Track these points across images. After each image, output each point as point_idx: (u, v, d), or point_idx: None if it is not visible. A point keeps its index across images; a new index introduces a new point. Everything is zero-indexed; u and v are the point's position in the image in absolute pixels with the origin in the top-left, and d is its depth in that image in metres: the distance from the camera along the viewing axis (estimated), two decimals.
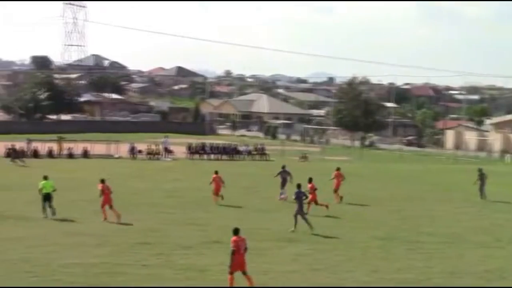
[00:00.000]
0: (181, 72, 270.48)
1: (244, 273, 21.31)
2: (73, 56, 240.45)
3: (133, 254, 25.55)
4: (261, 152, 75.06)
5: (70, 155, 67.26)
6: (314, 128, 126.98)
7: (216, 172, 40.57)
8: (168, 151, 72.01)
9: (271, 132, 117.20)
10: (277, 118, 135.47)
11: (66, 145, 69.00)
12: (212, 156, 72.98)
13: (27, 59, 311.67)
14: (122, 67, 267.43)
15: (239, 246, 21.29)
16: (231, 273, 21.18)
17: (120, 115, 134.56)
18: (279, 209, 39.08)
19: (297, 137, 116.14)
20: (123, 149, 69.55)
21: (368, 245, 29.26)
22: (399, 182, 57.22)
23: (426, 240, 30.99)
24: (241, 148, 75.74)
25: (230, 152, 74.47)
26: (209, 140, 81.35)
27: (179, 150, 72.74)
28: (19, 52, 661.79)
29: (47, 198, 33.53)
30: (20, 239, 27.62)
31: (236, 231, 21.66)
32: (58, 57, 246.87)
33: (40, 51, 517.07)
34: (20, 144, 66.44)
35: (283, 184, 42.94)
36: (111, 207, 33.23)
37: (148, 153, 70.13)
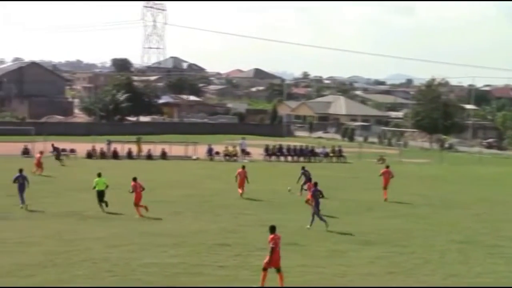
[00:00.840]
0: (259, 74, 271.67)
1: (278, 270, 21.58)
2: (152, 58, 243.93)
3: (211, 255, 25.70)
4: (338, 154, 74.75)
5: (149, 156, 68.06)
6: (392, 130, 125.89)
7: (243, 167, 43.10)
8: (245, 152, 72.29)
9: (348, 134, 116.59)
10: (354, 120, 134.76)
11: (145, 147, 69.82)
12: (289, 158, 72.97)
13: (108, 62, 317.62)
14: (200, 69, 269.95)
15: (277, 243, 21.64)
16: (265, 269, 21.51)
17: (198, 116, 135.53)
18: (357, 211, 38.91)
19: (375, 139, 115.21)
20: (201, 150, 70.04)
21: (447, 249, 28.86)
22: (479, 185, 56.35)
23: (507, 244, 30.44)
24: (318, 150, 75.53)
25: (307, 154, 74.30)
26: (286, 142, 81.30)
27: (256, 152, 72.93)
28: (100, 55, 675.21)
29: (100, 194, 35.76)
30: (100, 239, 28.05)
31: (272, 229, 22.04)
32: (138, 60, 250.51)
33: (120, 54, 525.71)
34: (100, 145, 67.60)
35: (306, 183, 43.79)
36: (138, 204, 34.62)
37: (226, 155, 70.48)
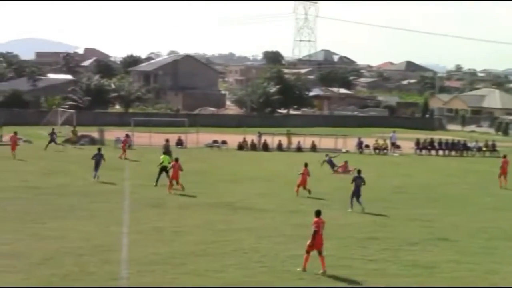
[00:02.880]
0: (410, 66, 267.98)
1: (320, 253, 22.08)
2: (303, 51, 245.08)
3: (359, 248, 25.65)
4: (491, 148, 72.88)
5: (299, 149, 68.47)
6: None
7: (306, 165, 40.03)
8: (395, 146, 71.61)
9: (502, 129, 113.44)
10: (509, 114, 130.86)
11: (294, 139, 70.28)
12: (440, 152, 71.74)
13: (259, 54, 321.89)
14: (351, 62, 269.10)
15: (319, 227, 22.24)
16: (308, 252, 22.12)
17: (348, 109, 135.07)
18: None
19: None
20: (351, 143, 69.83)
21: None
22: None
23: None
24: (471, 145, 73.89)
25: (459, 148, 72.85)
26: (437, 136, 79.97)
27: (407, 145, 72.09)
28: (252, 48, 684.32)
29: (164, 169, 40.19)
30: (251, 230, 28.48)
31: (317, 213, 22.79)
32: (289, 52, 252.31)
33: (272, 47, 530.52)
34: (251, 137, 68.56)
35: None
36: (177, 182, 38.45)
37: (375, 148, 69.99)
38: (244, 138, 68.35)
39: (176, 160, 39.15)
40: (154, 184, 39.84)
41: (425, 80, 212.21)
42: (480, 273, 22.82)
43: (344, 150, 68.37)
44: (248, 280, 20.93)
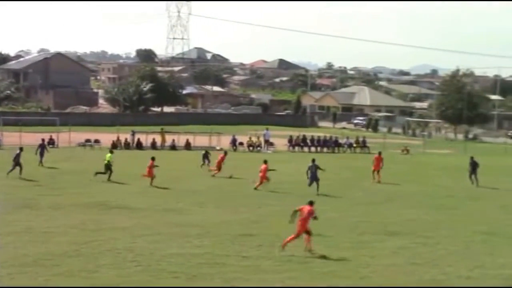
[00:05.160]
0: (283, 64, 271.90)
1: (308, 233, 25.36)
2: (176, 49, 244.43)
3: (234, 245, 25.73)
4: (362, 145, 74.60)
5: (173, 147, 68.30)
6: (416, 121, 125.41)
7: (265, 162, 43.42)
8: (269, 143, 72.33)
9: (372, 125, 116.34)
10: (378, 111, 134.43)
11: (169, 137, 70.04)
12: (312, 149, 72.91)
13: (132, 53, 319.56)
14: (224, 60, 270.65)
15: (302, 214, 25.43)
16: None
17: (222, 107, 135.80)
18: (381, 201, 38.84)
19: (399, 130, 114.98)
20: (225, 141, 70.13)
21: (472, 240, 28.71)
22: (505, 176, 55.90)
23: None
24: (342, 141, 75.44)
25: (331, 144, 74.25)
26: (310, 133, 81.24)
27: (280, 142, 72.97)
28: (124, 46, 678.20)
29: (107, 167, 43.51)
30: (125, 229, 28.16)
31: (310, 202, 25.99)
32: (162, 50, 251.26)
33: (145, 45, 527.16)
34: (124, 135, 67.93)
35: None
36: (148, 176, 41.80)
37: (249, 145, 70.57)
38: (118, 137, 67.64)
39: (153, 159, 42.61)
40: (108, 179, 42.72)
41: (297, 77, 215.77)
42: (352, 267, 23.28)
43: (218, 147, 68.57)
44: (122, 280, 20.68)
